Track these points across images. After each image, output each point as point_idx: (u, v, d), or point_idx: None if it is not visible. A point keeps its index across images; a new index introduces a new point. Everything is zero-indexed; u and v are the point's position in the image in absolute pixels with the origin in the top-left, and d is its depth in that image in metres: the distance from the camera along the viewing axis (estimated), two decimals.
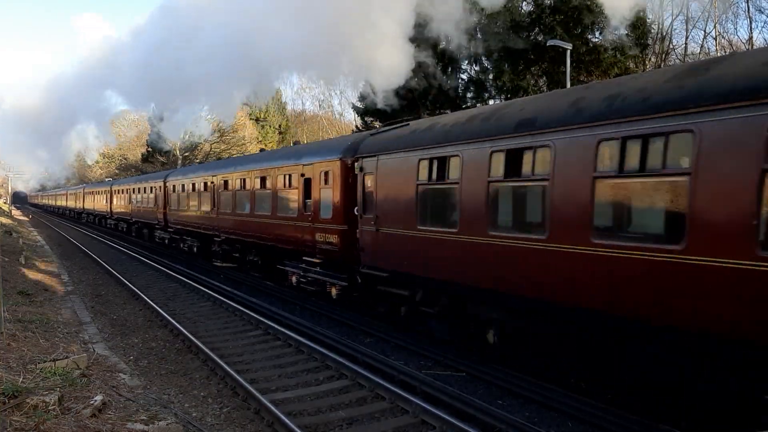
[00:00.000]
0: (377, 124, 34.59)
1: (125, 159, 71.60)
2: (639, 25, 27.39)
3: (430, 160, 10.24)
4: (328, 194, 14.11)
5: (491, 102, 31.29)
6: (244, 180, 19.49)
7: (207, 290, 17.11)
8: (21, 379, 7.61)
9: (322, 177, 14.33)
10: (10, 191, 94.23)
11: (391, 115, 31.99)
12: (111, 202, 42.87)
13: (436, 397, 8.28)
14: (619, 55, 27.32)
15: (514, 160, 8.46)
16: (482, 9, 25.54)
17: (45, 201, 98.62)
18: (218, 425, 7.60)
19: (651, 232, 6.92)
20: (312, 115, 74.49)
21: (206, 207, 23.22)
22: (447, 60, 34.37)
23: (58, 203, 78.17)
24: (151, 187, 31.95)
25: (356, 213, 12.86)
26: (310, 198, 15.04)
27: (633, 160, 6.80)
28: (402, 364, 9.89)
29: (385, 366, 9.68)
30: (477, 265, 9.19)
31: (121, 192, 40.07)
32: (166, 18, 29.20)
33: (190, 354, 10.93)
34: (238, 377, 8.93)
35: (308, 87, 78.03)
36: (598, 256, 7.14)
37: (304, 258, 15.23)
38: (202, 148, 57.53)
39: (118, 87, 37.09)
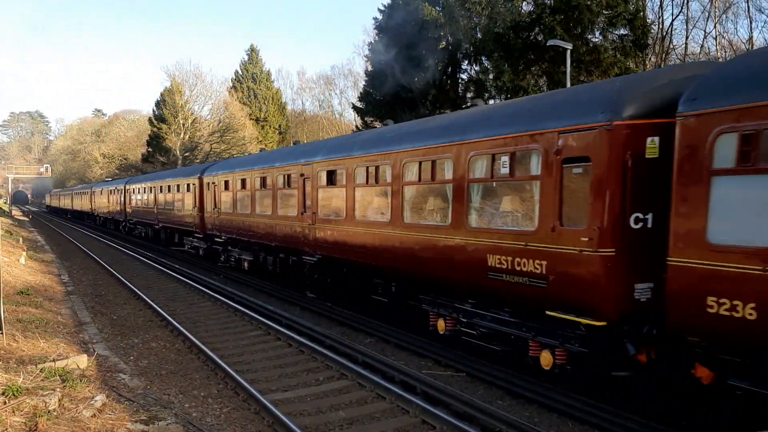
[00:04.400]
0: (377, 123, 34.63)
1: (125, 159, 71.65)
2: (639, 25, 27.40)
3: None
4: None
5: (491, 102, 31.24)
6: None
7: (207, 290, 17.13)
8: (21, 380, 7.61)
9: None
10: (10, 191, 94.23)
11: (391, 114, 32.00)
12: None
13: (436, 397, 8.28)
14: (619, 55, 27.31)
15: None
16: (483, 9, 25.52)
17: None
18: (218, 425, 7.59)
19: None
20: (312, 115, 74.50)
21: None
22: (447, 59, 34.37)
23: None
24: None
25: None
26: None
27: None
28: (402, 364, 9.89)
29: (385, 366, 9.68)
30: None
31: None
32: None
33: (190, 354, 10.93)
34: (238, 377, 8.94)
35: (308, 87, 78.18)
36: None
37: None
38: (202, 149, 57.54)
39: None
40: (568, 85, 22.04)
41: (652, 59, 30.93)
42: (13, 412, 6.68)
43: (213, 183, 23.02)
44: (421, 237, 10.70)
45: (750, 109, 5.75)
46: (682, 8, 33.69)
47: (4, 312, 10.15)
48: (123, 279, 19.41)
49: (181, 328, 12.24)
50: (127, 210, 39.64)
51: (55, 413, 6.87)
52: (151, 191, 33.21)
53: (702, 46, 33.89)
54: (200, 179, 24.61)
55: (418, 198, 11.08)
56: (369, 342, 11.72)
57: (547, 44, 23.69)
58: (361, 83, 47.44)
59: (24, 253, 22.81)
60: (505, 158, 8.76)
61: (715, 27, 34.17)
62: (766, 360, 5.72)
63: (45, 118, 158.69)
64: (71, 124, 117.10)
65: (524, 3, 29.46)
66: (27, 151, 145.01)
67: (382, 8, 36.47)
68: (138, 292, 16.87)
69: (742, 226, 5.85)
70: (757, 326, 5.60)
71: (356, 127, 40.52)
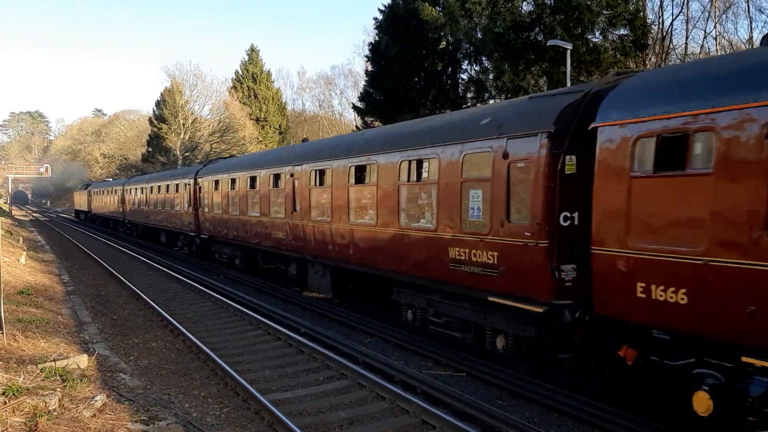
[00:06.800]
0: (377, 123, 34.63)
1: (125, 159, 71.70)
2: (639, 25, 27.38)
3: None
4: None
5: (492, 101, 31.23)
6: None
7: (207, 290, 17.12)
8: (21, 380, 7.61)
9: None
10: (10, 191, 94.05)
11: (391, 114, 32.00)
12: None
13: (436, 397, 8.28)
14: (619, 55, 27.30)
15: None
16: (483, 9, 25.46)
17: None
18: (218, 425, 7.59)
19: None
20: (312, 115, 74.56)
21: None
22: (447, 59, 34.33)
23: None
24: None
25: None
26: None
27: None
28: (402, 364, 9.90)
29: (385, 366, 9.68)
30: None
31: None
32: None
33: (190, 354, 10.93)
34: (238, 377, 8.93)
35: (308, 87, 78.25)
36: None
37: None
38: (202, 149, 57.56)
39: None
40: (569, 85, 22.04)
41: (652, 59, 30.90)
42: (14, 412, 6.69)
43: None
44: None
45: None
46: (682, 8, 33.65)
47: (4, 312, 10.16)
48: (123, 279, 19.40)
49: (181, 328, 12.24)
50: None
51: (55, 413, 6.87)
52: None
53: (702, 46, 33.87)
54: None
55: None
56: (369, 342, 11.72)
57: (547, 44, 23.68)
58: (361, 83, 47.44)
59: (24, 253, 22.82)
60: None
61: (715, 27, 34.15)
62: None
63: (45, 118, 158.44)
64: (71, 124, 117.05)
65: (524, 3, 29.46)
66: (27, 151, 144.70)
67: (383, 8, 36.46)
68: (138, 291, 16.86)
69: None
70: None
71: (356, 126, 40.53)
